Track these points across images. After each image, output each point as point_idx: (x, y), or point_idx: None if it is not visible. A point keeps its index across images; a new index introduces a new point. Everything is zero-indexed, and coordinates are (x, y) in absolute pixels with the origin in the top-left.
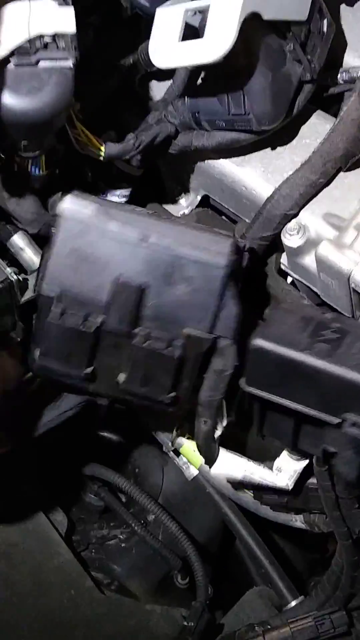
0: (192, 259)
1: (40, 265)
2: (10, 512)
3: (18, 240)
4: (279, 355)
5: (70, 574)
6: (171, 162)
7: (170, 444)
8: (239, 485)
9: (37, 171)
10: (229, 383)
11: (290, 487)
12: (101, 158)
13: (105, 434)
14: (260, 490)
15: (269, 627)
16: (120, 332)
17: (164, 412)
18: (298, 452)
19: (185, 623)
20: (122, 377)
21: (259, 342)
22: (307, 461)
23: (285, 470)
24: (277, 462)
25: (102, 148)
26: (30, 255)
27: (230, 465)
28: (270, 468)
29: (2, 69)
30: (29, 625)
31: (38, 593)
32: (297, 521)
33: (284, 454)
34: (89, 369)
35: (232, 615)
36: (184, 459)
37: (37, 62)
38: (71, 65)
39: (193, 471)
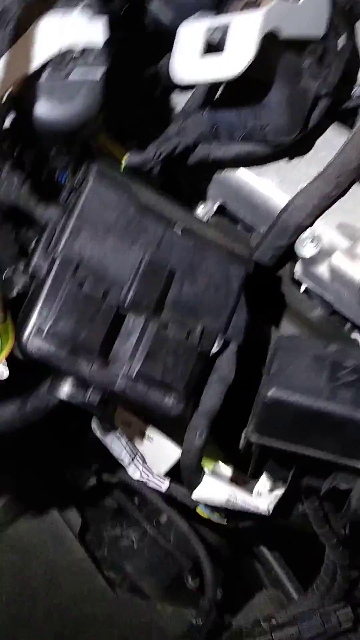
0: (217, 256)
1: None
2: (26, 511)
3: None
4: (301, 406)
5: (83, 572)
6: (190, 172)
7: None
8: (219, 509)
9: (65, 179)
10: (225, 395)
11: (270, 512)
12: (123, 167)
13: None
14: (239, 515)
15: (274, 622)
16: (141, 314)
17: (164, 415)
18: (284, 479)
19: (194, 621)
20: (136, 363)
21: (277, 392)
22: (286, 487)
23: (265, 494)
24: (258, 487)
25: (124, 157)
26: None
27: (214, 489)
28: (250, 491)
29: (35, 81)
30: (42, 620)
31: (51, 589)
32: None
33: (264, 478)
34: (102, 350)
35: (241, 618)
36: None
37: (68, 74)
38: (100, 77)
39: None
